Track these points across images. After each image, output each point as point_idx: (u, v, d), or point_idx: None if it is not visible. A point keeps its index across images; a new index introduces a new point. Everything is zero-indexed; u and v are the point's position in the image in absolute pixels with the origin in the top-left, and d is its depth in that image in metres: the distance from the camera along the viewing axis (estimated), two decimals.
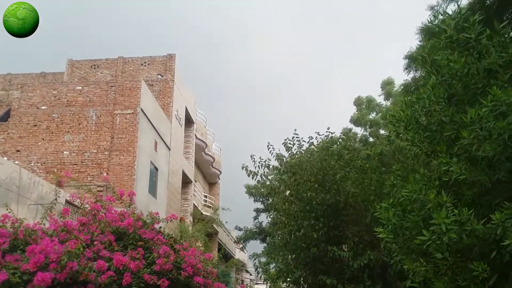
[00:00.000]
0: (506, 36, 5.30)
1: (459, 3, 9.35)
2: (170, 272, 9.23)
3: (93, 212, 9.05)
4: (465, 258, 5.11)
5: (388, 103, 16.56)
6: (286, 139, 15.34)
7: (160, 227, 11.50)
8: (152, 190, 19.23)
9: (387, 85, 16.87)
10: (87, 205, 9.31)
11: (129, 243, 8.97)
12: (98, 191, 13.47)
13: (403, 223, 5.47)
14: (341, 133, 16.76)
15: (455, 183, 5.25)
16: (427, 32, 9.50)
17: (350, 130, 18.22)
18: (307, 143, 15.51)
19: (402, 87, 13.05)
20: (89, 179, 17.31)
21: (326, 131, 15.81)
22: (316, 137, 15.75)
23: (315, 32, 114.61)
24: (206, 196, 30.25)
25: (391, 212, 5.56)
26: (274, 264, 18.48)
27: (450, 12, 6.36)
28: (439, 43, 5.88)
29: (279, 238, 16.01)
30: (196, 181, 27.98)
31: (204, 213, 26.93)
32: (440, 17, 6.39)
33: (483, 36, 5.25)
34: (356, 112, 17.86)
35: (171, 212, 19.94)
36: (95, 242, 8.10)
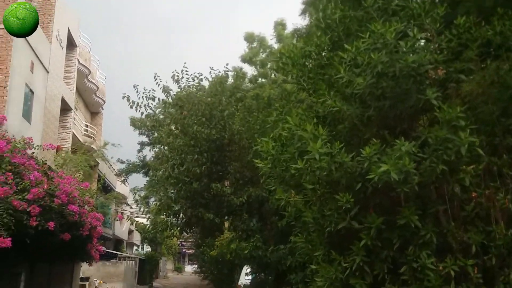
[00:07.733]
0: None
1: None
2: (42, 199, 8.80)
3: None
4: (333, 189, 5.54)
5: (277, 46, 16.72)
6: (174, 71, 14.97)
7: (33, 153, 10.78)
8: (27, 114, 17.72)
9: (279, 25, 16.94)
10: None
11: None
12: None
13: (281, 156, 5.76)
14: (232, 71, 16.70)
15: (331, 121, 5.61)
16: None
17: (241, 69, 18.26)
18: (197, 78, 15.32)
19: (292, 31, 13.25)
20: None
21: (224, 67, 15.64)
22: (210, 72, 15.58)
23: None
24: (87, 126, 28.66)
25: (271, 145, 5.81)
26: (154, 198, 18.49)
27: None
28: None
29: (161, 172, 15.95)
30: (76, 109, 26.30)
31: (86, 143, 25.66)
32: None
33: None
34: (247, 50, 17.80)
35: (47, 139, 18.70)
36: None
